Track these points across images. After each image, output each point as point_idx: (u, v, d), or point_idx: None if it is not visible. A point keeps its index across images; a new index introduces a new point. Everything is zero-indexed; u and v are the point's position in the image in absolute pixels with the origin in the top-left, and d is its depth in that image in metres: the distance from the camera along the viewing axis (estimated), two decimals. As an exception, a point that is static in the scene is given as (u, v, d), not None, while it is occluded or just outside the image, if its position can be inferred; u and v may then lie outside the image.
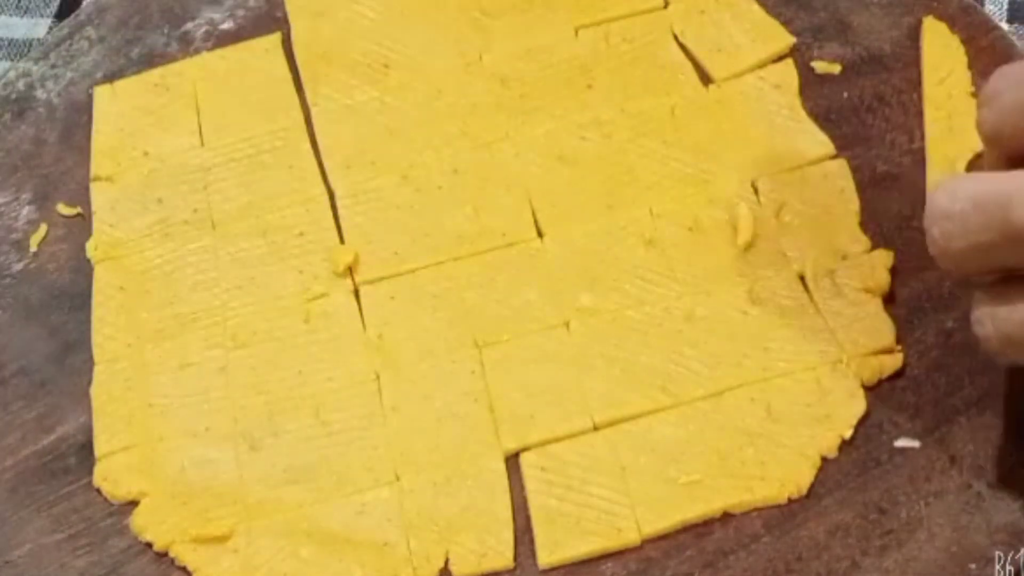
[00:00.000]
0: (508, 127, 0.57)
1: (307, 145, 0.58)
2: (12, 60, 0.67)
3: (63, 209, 0.59)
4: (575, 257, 0.53)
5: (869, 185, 0.54)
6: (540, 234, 0.54)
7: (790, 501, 0.47)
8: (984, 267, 0.42)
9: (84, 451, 0.51)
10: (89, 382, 0.53)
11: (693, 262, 0.53)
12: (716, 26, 0.59)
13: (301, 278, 0.54)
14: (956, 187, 0.41)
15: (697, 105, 0.57)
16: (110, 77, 0.62)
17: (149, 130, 0.60)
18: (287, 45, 0.62)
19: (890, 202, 0.54)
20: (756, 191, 0.54)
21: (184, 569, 0.48)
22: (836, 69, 0.58)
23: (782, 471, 0.48)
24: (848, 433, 0.48)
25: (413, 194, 0.56)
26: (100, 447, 0.51)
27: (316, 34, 0.62)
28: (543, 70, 0.59)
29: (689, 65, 0.58)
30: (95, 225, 0.57)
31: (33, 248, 0.58)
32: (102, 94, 0.62)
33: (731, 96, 0.57)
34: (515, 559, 0.47)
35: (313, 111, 0.59)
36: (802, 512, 0.47)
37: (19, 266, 0.57)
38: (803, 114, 0.56)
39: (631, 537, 0.47)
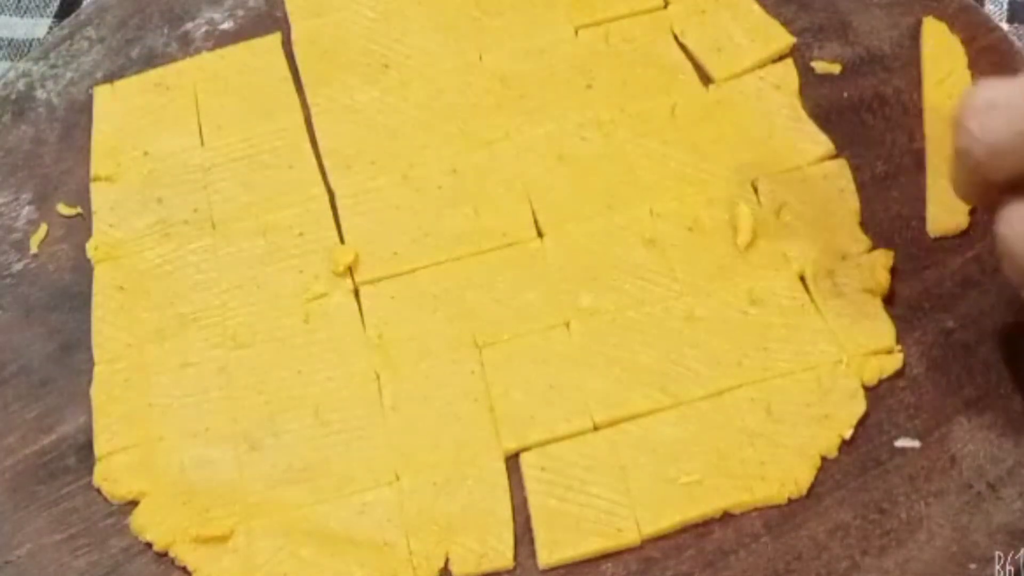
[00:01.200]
0: (508, 127, 0.57)
1: (307, 145, 0.58)
2: (12, 60, 0.67)
3: (63, 209, 0.58)
4: (575, 257, 0.53)
5: (869, 185, 0.54)
6: (540, 234, 0.54)
7: (790, 501, 0.47)
8: (1019, 166, 0.38)
9: (84, 451, 0.51)
10: (89, 382, 0.53)
11: (693, 262, 0.53)
12: (716, 26, 0.59)
13: (301, 278, 0.54)
14: (1007, 82, 0.38)
15: (697, 105, 0.57)
16: (110, 77, 0.62)
17: (149, 130, 0.60)
18: (287, 45, 0.62)
19: (890, 202, 0.54)
20: (756, 191, 0.54)
21: (184, 569, 0.48)
22: (836, 69, 0.58)
23: (782, 471, 0.48)
24: (848, 433, 0.48)
25: (413, 194, 0.56)
26: (100, 447, 0.51)
27: (316, 34, 0.62)
28: (543, 70, 0.59)
29: (689, 65, 0.58)
30: (95, 225, 0.57)
31: (33, 248, 0.57)
32: (102, 94, 0.62)
33: (731, 96, 0.57)
34: (515, 559, 0.47)
35: (313, 111, 0.59)
36: (802, 512, 0.47)
37: (19, 266, 0.57)
38: (803, 114, 0.56)
39: (631, 537, 0.47)
